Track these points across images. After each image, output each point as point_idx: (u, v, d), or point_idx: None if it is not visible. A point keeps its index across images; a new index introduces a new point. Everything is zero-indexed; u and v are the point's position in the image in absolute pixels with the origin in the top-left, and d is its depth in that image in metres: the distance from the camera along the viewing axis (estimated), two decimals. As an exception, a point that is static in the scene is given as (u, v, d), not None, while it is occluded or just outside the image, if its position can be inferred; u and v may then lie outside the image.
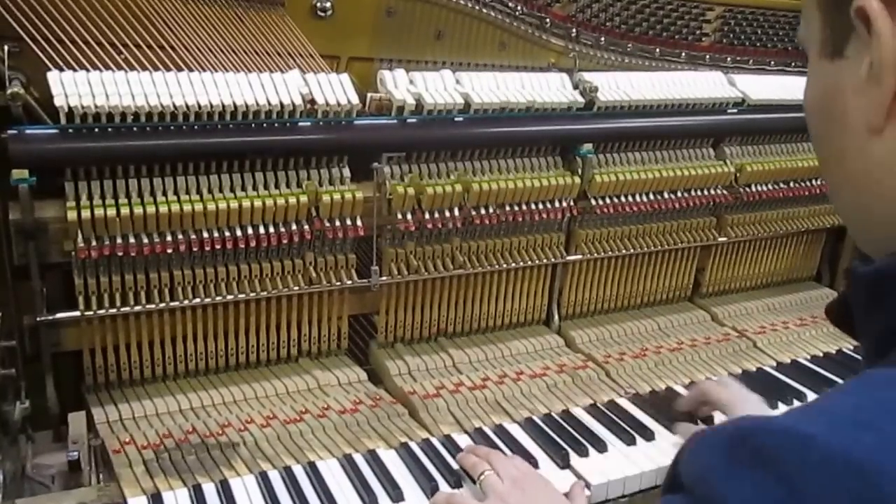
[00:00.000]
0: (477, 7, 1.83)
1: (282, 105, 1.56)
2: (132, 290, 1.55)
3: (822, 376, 1.92)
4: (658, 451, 1.60)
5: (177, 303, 1.59)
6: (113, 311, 1.54)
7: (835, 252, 2.47)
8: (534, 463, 1.51)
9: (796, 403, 1.80)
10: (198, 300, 1.60)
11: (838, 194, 0.74)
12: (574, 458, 1.55)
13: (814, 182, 2.23)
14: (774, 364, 1.98)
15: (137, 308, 1.56)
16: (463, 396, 1.72)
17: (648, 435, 1.64)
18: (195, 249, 1.55)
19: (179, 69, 1.54)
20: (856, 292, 0.71)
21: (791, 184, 2.20)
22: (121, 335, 1.59)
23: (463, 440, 1.58)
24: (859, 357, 2.00)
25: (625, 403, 1.75)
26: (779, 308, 2.30)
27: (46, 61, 1.41)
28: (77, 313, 1.51)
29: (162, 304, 1.58)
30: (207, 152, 1.54)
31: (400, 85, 1.69)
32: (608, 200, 1.92)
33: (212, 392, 1.65)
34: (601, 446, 1.59)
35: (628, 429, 1.64)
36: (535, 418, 1.66)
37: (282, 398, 1.68)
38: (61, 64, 1.43)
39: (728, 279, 2.29)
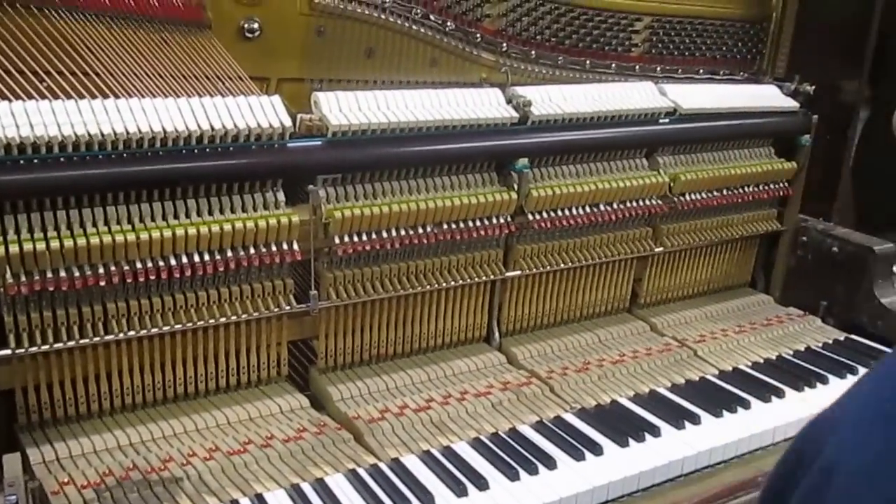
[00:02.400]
0: (407, 24, 1.82)
1: (213, 129, 1.52)
2: (65, 325, 1.50)
3: (765, 382, 1.94)
4: (607, 466, 1.60)
5: (112, 336, 1.54)
6: (45, 347, 1.48)
7: (769, 258, 2.51)
8: (484, 483, 1.51)
9: (741, 412, 1.82)
10: (133, 332, 1.55)
11: None
12: (524, 477, 1.54)
13: (747, 189, 2.26)
14: (716, 372, 1.99)
15: (71, 343, 1.50)
16: (408, 419, 1.70)
17: (597, 450, 1.63)
18: (129, 281, 1.50)
19: (105, 96, 1.49)
20: None
21: (724, 191, 2.22)
22: (54, 372, 1.53)
23: (411, 463, 1.56)
24: (798, 361, 2.00)
25: (571, 419, 1.74)
26: (717, 315, 2.32)
27: (-35, 93, 1.37)
28: (7, 352, 1.45)
29: (96, 339, 1.53)
30: (139, 181, 1.49)
31: (334, 106, 1.66)
32: (545, 215, 1.91)
33: (151, 426, 1.60)
34: (550, 463, 1.58)
35: (577, 444, 1.64)
36: (482, 438, 1.65)
37: (223, 429, 1.63)
38: (-19, 95, 1.38)
39: (665, 289, 2.31)
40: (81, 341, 1.51)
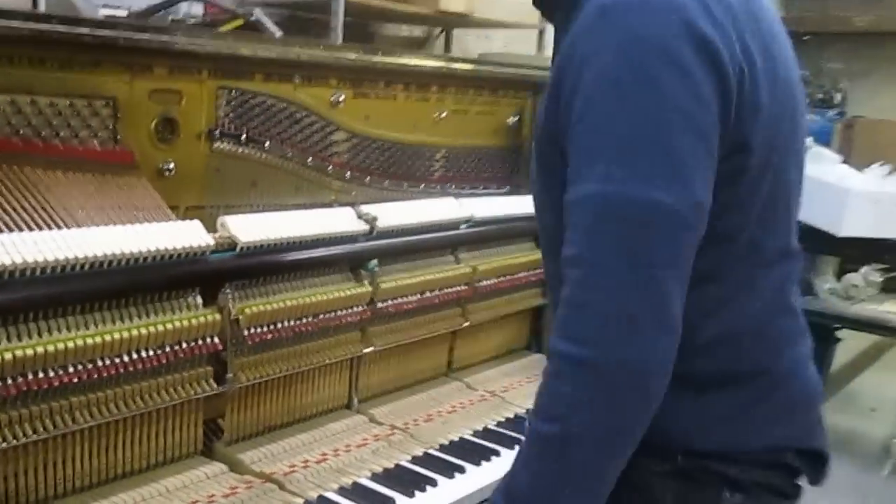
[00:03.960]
0: (280, 161, 2.33)
1: (157, 249, 1.91)
2: (26, 421, 1.74)
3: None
4: (471, 484, 2.15)
5: (68, 428, 1.83)
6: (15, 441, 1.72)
7: (538, 325, 3.19)
8: (391, 501, 1.99)
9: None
10: (86, 423, 1.85)
11: None
12: (418, 494, 2.05)
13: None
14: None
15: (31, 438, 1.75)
16: (314, 469, 2.12)
17: (461, 469, 2.17)
18: (84, 378, 1.82)
19: (59, 227, 1.85)
20: None
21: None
22: (14, 464, 1.77)
23: (334, 497, 2.00)
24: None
25: (437, 453, 2.26)
26: (512, 371, 2.93)
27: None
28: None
29: (46, 434, 1.78)
30: (93, 294, 1.84)
31: (241, 227, 2.10)
32: (391, 302, 2.44)
33: (104, 502, 1.89)
34: (432, 482, 2.09)
35: (454, 463, 2.18)
36: (378, 473, 2.12)
37: (168, 497, 1.92)
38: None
39: (473, 354, 2.89)
40: (42, 434, 1.78)
